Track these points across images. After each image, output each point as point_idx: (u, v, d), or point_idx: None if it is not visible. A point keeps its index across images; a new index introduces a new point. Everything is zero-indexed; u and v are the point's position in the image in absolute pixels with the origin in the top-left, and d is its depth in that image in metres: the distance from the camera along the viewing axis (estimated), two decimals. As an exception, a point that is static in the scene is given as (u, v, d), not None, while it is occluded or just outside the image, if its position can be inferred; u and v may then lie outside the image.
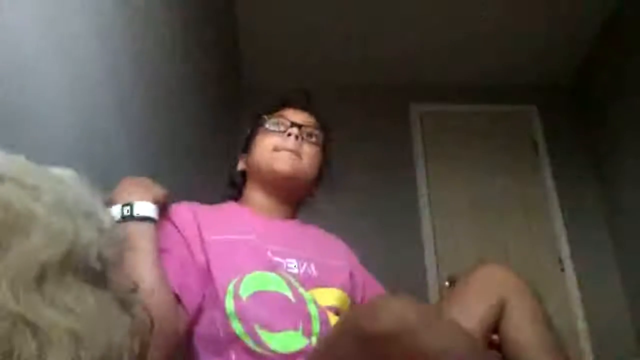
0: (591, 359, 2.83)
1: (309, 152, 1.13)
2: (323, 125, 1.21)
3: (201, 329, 0.90)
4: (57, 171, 0.42)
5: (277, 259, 0.98)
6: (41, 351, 0.31)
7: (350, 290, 1.05)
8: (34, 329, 0.31)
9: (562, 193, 3.27)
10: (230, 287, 0.90)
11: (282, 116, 1.16)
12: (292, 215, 1.16)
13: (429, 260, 3.06)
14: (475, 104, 3.51)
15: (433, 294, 2.95)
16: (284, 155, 1.09)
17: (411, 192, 3.26)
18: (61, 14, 0.97)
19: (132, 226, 0.84)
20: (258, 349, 0.85)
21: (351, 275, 1.08)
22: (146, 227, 0.86)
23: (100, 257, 0.38)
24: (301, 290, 0.95)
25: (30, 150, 0.86)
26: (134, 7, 1.39)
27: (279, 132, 1.13)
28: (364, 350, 0.63)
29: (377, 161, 3.29)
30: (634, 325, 2.92)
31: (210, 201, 1.14)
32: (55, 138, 0.96)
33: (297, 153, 1.10)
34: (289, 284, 0.94)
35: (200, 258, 0.93)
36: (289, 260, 1.00)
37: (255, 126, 1.21)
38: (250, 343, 0.85)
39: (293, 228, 1.12)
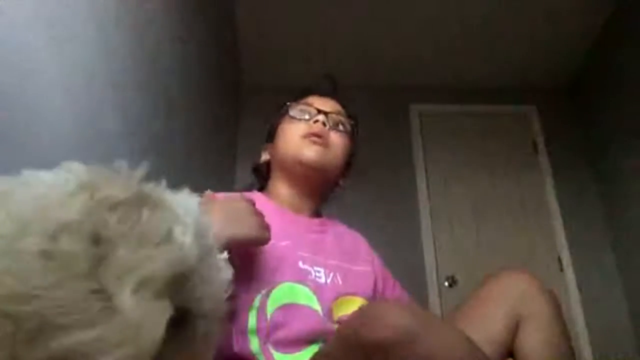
0: (591, 359, 2.83)
1: (337, 142, 1.06)
2: (350, 113, 1.15)
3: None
4: (205, 220, 0.47)
5: (306, 267, 0.95)
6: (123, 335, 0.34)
7: (373, 297, 1.01)
8: (109, 306, 0.34)
9: (561, 193, 3.27)
10: (256, 302, 0.86)
11: (307, 104, 1.10)
12: (318, 211, 1.11)
13: (429, 260, 3.07)
14: (475, 104, 3.52)
15: (432, 295, 2.95)
16: (311, 144, 1.03)
17: (411, 192, 3.26)
18: (61, 14, 0.97)
19: None
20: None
21: (375, 281, 1.04)
22: None
23: (200, 301, 0.42)
24: (324, 305, 0.92)
25: (30, 150, 0.86)
26: (134, 7, 1.39)
27: (305, 120, 1.07)
28: (362, 359, 0.62)
29: (377, 161, 3.29)
30: (633, 325, 2.92)
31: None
32: (54, 138, 0.96)
33: (324, 141, 1.04)
34: (317, 288, 0.91)
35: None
36: (316, 268, 0.96)
37: (280, 114, 1.14)
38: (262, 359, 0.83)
39: (320, 229, 1.06)
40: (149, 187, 0.43)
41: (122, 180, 0.42)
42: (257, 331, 0.84)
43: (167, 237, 0.40)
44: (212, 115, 2.56)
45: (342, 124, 1.10)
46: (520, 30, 3.17)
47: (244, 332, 0.84)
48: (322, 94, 1.14)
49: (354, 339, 0.64)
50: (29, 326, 0.32)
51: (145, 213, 0.40)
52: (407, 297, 1.12)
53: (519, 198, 3.27)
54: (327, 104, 1.10)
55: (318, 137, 1.04)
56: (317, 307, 0.90)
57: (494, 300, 0.87)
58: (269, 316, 0.85)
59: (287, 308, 0.87)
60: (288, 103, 1.13)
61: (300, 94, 1.15)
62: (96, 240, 0.36)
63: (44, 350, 0.32)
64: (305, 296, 0.90)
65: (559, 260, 3.10)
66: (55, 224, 0.36)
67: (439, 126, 3.48)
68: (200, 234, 0.44)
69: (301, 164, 1.03)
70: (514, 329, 0.85)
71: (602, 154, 3.26)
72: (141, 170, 0.44)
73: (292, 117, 1.09)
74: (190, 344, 0.41)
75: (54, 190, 0.39)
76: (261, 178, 1.16)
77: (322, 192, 1.11)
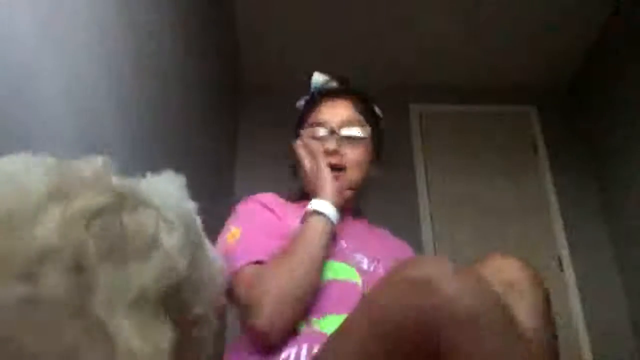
0: (591, 359, 2.83)
1: (352, 157, 1.06)
2: (365, 108, 1.12)
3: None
4: (189, 209, 0.44)
5: (349, 252, 0.97)
6: None
7: None
8: (106, 338, 0.32)
9: (561, 193, 3.27)
10: None
11: (315, 123, 1.08)
12: (358, 212, 1.15)
13: (429, 260, 3.06)
14: (475, 104, 3.52)
15: (433, 294, 2.95)
16: None
17: (411, 192, 3.26)
18: (60, 14, 0.97)
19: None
20: (306, 330, 0.85)
21: None
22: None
23: (192, 308, 0.40)
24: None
25: (30, 150, 0.86)
26: (134, 7, 1.39)
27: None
28: (407, 295, 0.65)
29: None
30: (633, 325, 2.92)
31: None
32: (54, 139, 0.96)
33: (340, 166, 1.04)
34: (360, 272, 0.93)
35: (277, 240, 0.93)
36: (360, 255, 0.98)
37: (299, 121, 1.13)
38: (302, 328, 0.85)
39: (362, 227, 1.11)
40: (125, 183, 0.39)
41: (94, 179, 0.37)
42: None
43: (153, 244, 0.36)
44: (212, 115, 2.56)
45: (356, 136, 1.07)
46: (520, 30, 3.17)
47: None
48: (331, 95, 1.11)
49: (402, 275, 0.66)
50: None
51: (126, 219, 0.36)
52: None
53: (519, 198, 3.26)
54: (336, 113, 1.08)
55: (332, 167, 1.03)
56: (358, 281, 0.92)
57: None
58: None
59: (329, 284, 0.90)
60: (300, 125, 1.11)
61: (310, 101, 1.13)
62: (79, 267, 0.32)
63: None
64: (347, 272, 0.92)
65: (559, 260, 3.10)
66: (33, 256, 0.31)
67: (439, 126, 3.48)
68: (187, 226, 0.40)
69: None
70: None
71: (602, 154, 3.26)
72: (109, 161, 0.40)
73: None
74: (186, 351, 0.39)
75: (20, 203, 0.33)
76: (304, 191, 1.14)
77: (354, 198, 1.12)
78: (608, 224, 3.18)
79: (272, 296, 0.80)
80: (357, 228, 1.08)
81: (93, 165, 0.39)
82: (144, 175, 0.46)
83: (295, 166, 1.12)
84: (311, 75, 1.18)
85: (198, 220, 0.44)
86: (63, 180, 0.36)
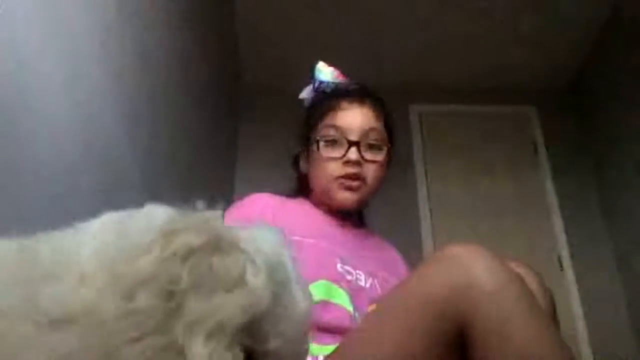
0: (591, 359, 2.83)
1: (372, 173, 1.03)
2: (385, 118, 1.10)
3: None
4: (281, 254, 0.47)
5: (347, 267, 0.95)
6: None
7: None
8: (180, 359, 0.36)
9: (561, 193, 3.27)
10: None
11: (334, 127, 1.02)
12: (361, 222, 1.15)
13: (429, 260, 3.06)
14: (475, 104, 3.52)
15: (433, 294, 2.95)
16: (345, 190, 1.02)
17: (411, 192, 3.26)
18: (61, 14, 0.97)
19: None
20: None
21: None
22: None
23: (269, 340, 0.43)
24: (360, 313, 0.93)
25: (30, 150, 0.86)
26: (134, 7, 1.39)
27: (336, 158, 1.01)
28: (439, 273, 0.68)
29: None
30: (633, 325, 2.92)
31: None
32: (54, 138, 0.96)
33: (359, 179, 1.02)
34: (356, 290, 0.92)
35: None
36: (358, 272, 0.96)
37: (310, 127, 1.08)
38: None
39: (362, 239, 1.09)
40: (224, 228, 0.45)
41: (198, 224, 0.43)
42: None
43: (239, 282, 0.41)
44: (212, 115, 2.56)
45: (377, 146, 1.05)
46: (521, 30, 3.17)
47: None
48: (350, 101, 1.07)
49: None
50: None
51: (216, 260, 0.41)
52: None
53: (519, 198, 3.26)
54: (359, 120, 1.04)
55: (352, 180, 1.01)
56: (350, 308, 0.90)
57: None
58: None
59: (321, 304, 0.89)
60: (315, 131, 1.05)
61: (325, 106, 1.08)
62: (170, 293, 0.37)
63: None
64: (339, 296, 0.91)
65: (559, 260, 3.10)
66: (135, 281, 0.37)
67: (439, 126, 3.48)
68: (274, 269, 0.44)
69: (337, 205, 1.04)
70: None
71: (602, 154, 3.26)
72: (219, 211, 0.46)
73: (321, 150, 1.03)
74: None
75: (132, 239, 0.40)
76: (303, 186, 1.13)
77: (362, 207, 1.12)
78: (608, 224, 3.18)
79: None
80: (357, 240, 1.07)
81: (201, 211, 0.46)
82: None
83: (297, 162, 1.12)
84: (314, 67, 1.15)
85: (289, 265, 0.47)
86: (172, 223, 0.42)
